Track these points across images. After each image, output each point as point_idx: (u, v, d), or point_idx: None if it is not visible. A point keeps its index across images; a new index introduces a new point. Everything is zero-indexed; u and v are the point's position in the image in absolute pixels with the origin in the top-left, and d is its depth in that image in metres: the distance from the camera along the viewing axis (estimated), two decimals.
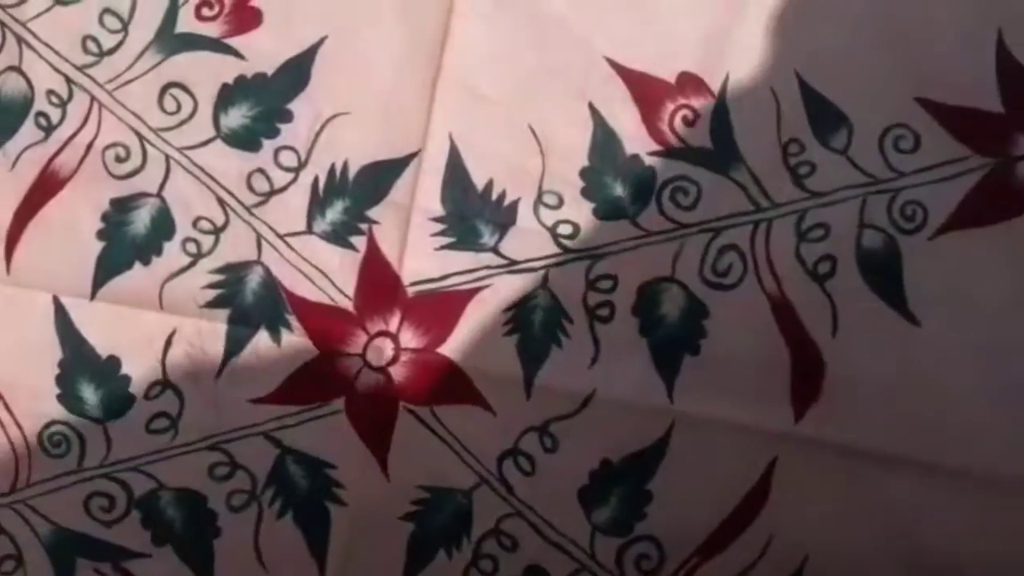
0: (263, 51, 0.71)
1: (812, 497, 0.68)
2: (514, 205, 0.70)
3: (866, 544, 0.68)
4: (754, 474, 0.68)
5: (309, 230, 0.71)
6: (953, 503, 0.67)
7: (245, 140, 0.71)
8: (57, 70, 0.72)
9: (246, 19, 0.72)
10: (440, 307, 0.70)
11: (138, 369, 0.71)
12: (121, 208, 0.72)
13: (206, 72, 0.72)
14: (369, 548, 0.70)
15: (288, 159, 0.71)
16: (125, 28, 0.72)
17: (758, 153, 0.70)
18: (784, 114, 0.70)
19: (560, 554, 0.69)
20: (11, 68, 0.73)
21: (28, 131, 0.72)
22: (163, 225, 0.71)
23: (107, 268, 0.71)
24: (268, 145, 0.71)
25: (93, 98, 0.72)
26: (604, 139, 0.70)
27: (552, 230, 0.70)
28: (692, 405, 0.69)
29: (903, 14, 0.69)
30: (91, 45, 0.72)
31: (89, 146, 0.72)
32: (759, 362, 0.69)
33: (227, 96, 0.71)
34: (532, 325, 0.70)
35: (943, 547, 0.67)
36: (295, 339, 0.71)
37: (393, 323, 0.71)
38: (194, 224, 0.71)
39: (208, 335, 0.71)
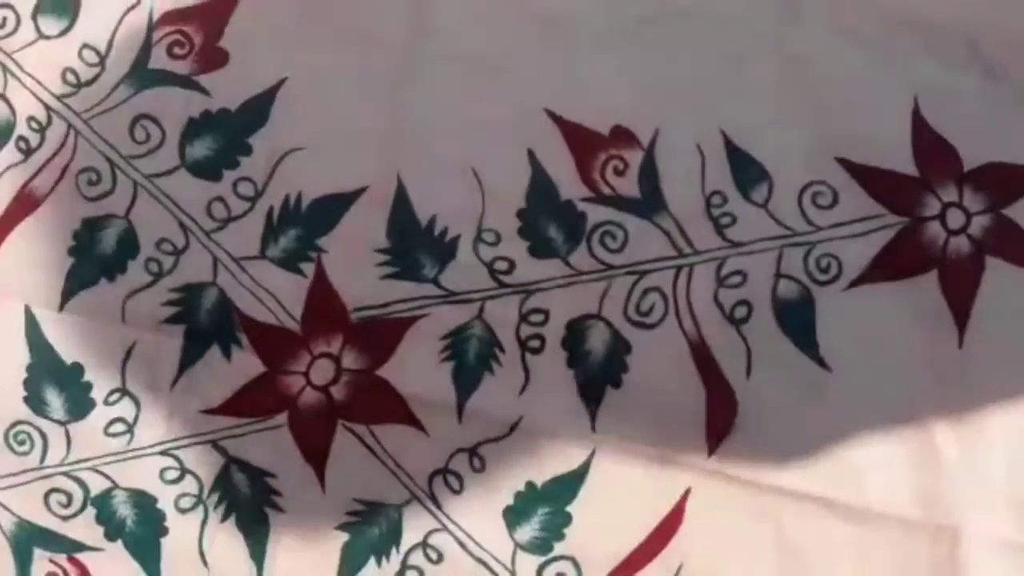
0: (228, 89, 0.74)
1: (721, 527, 0.69)
2: (455, 241, 0.72)
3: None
4: (668, 503, 0.69)
5: (262, 255, 0.73)
6: (847, 538, 0.66)
7: (207, 170, 0.73)
8: (38, 98, 0.75)
9: (214, 59, 0.74)
10: (381, 333, 0.72)
11: (99, 377, 0.73)
12: (91, 228, 0.74)
13: (174, 106, 0.74)
14: (305, 554, 0.71)
15: (246, 189, 0.73)
16: (102, 62, 0.74)
17: (682, 203, 0.71)
18: (708, 168, 0.71)
19: (483, 569, 0.70)
20: None
21: (9, 153, 0.74)
22: (128, 245, 0.73)
23: (75, 282, 0.73)
24: (228, 176, 0.73)
25: (70, 125, 0.74)
26: (541, 184, 0.71)
27: (489, 265, 0.72)
28: (613, 434, 0.70)
29: (826, 79, 0.69)
30: (70, 76, 0.75)
31: (64, 169, 0.74)
32: (676, 397, 0.69)
33: (193, 129, 0.74)
34: (467, 353, 0.71)
35: None
36: (244, 356, 0.73)
37: (336, 345, 0.72)
38: (157, 245, 0.73)
39: (165, 349, 0.73)
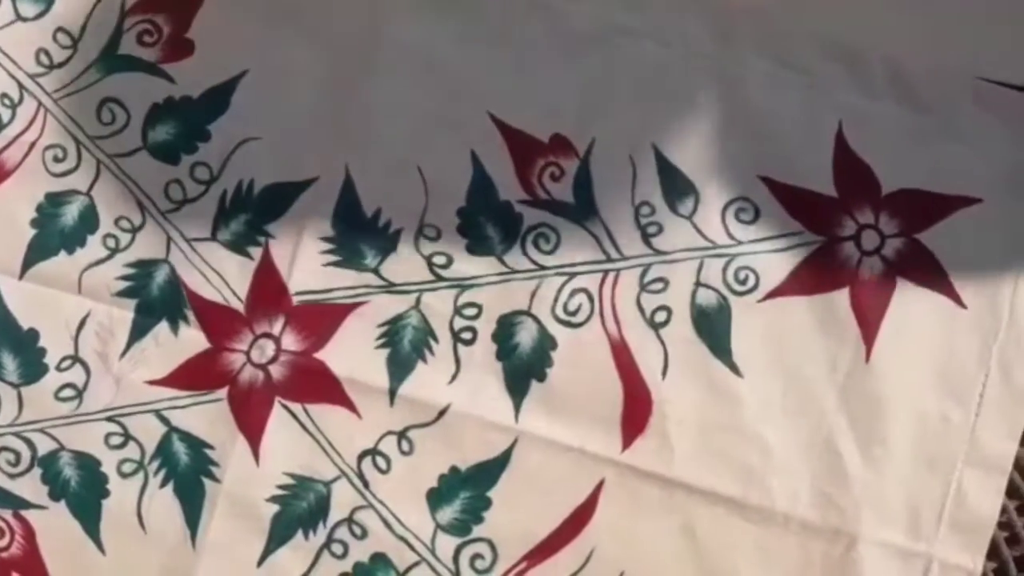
0: (191, 77, 0.70)
1: (631, 519, 0.65)
2: (397, 234, 0.68)
3: (672, 567, 0.65)
4: (583, 492, 0.66)
5: (213, 237, 0.69)
6: (751, 536, 0.64)
7: (167, 153, 0.69)
8: (12, 76, 0.70)
9: (180, 48, 0.70)
10: (321, 317, 0.68)
11: (53, 343, 0.69)
12: (54, 202, 0.70)
13: (140, 91, 0.70)
14: (236, 522, 0.67)
15: (202, 173, 0.69)
16: (75, 46, 0.70)
17: (613, 211, 0.67)
18: (639, 179, 0.67)
19: (404, 546, 0.67)
20: None
21: None
22: (88, 220, 0.69)
23: (36, 252, 0.69)
24: (186, 160, 0.69)
25: (40, 104, 0.70)
26: (481, 185, 0.68)
27: (428, 259, 0.68)
28: (534, 425, 0.66)
29: (754, 101, 0.66)
30: (43, 58, 0.70)
31: (32, 145, 0.70)
32: (596, 394, 0.66)
33: (156, 114, 0.70)
34: (402, 341, 0.68)
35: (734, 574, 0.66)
36: (191, 332, 0.69)
37: (277, 327, 0.68)
38: (115, 222, 0.69)
39: (117, 320, 0.69)
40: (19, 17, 0.71)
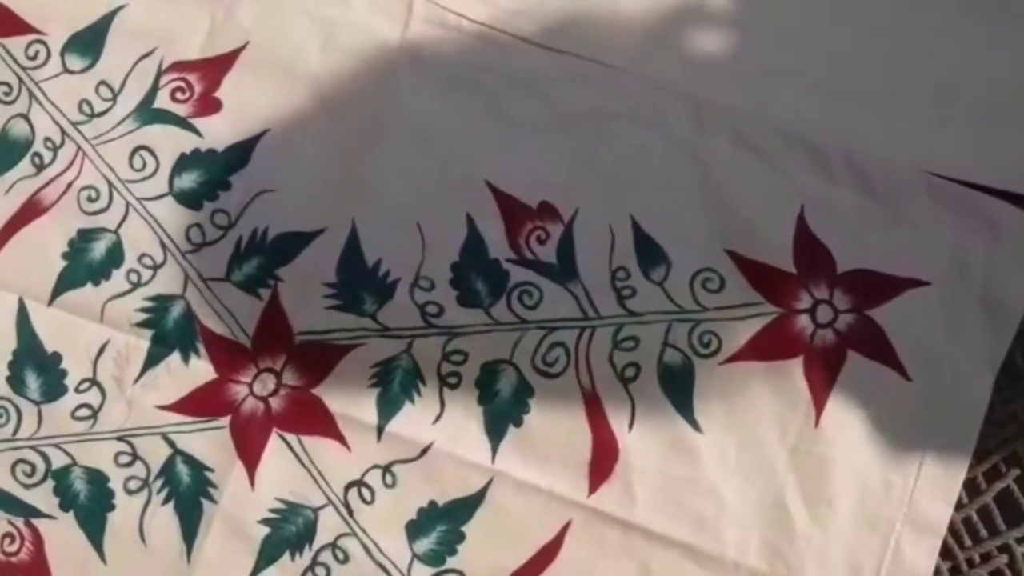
0: (217, 133, 0.69)
1: (593, 559, 0.64)
2: (394, 283, 0.66)
3: None
4: (550, 532, 0.64)
5: (227, 278, 0.67)
6: None
7: (190, 200, 0.68)
8: (55, 122, 0.70)
9: (209, 105, 0.69)
10: (320, 356, 0.66)
11: (74, 366, 0.68)
12: (85, 238, 0.69)
13: (170, 142, 0.69)
14: (229, 541, 0.65)
15: (221, 219, 0.68)
16: (114, 98, 0.70)
17: (591, 273, 0.66)
18: (617, 246, 0.66)
19: (382, 573, 0.65)
20: (20, 115, 0.70)
21: (24, 166, 0.69)
22: (115, 256, 0.68)
23: (65, 283, 0.68)
24: (208, 206, 0.68)
25: (79, 148, 0.69)
26: (474, 243, 0.66)
27: (422, 308, 0.66)
28: (509, 467, 0.65)
29: (725, 182, 0.66)
30: (85, 107, 0.70)
31: (69, 185, 0.69)
32: (567, 441, 0.64)
33: (183, 163, 0.69)
34: (392, 382, 0.66)
35: None
36: (200, 363, 0.67)
37: (279, 363, 0.66)
38: (139, 259, 0.68)
39: (133, 348, 0.67)
40: (66, 70, 0.70)
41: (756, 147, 0.66)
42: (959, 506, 0.64)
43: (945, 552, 0.64)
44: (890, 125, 0.66)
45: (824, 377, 0.64)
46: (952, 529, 0.64)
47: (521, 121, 0.68)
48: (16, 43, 0.71)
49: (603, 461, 0.65)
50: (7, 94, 0.71)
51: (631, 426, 0.65)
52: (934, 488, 0.64)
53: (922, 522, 0.63)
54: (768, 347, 0.65)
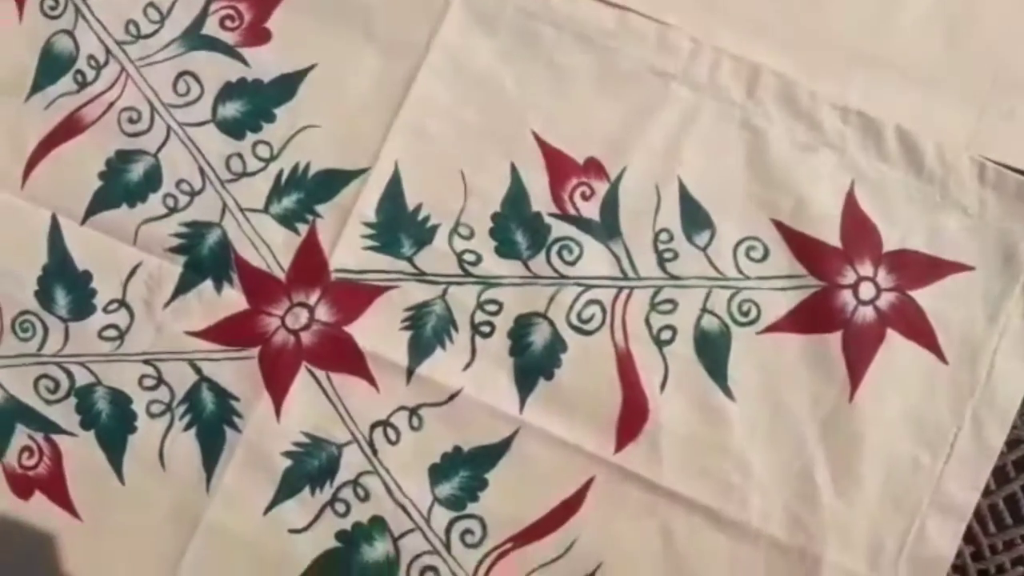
0: (264, 63, 0.66)
1: (615, 516, 0.62)
2: (434, 229, 0.64)
3: (646, 566, 0.61)
4: (573, 486, 0.62)
5: (265, 210, 0.64)
6: (723, 546, 0.62)
7: (233, 129, 0.66)
8: (101, 41, 0.67)
9: (258, 35, 0.66)
10: (354, 295, 0.63)
11: (104, 286, 0.65)
12: (123, 159, 0.66)
13: (216, 69, 0.66)
14: (250, 471, 0.63)
15: (263, 151, 0.65)
16: (162, 21, 0.67)
17: (634, 233, 0.63)
18: (662, 208, 0.63)
19: (402, 513, 0.62)
20: (65, 31, 0.67)
21: (66, 83, 0.66)
22: (152, 179, 0.65)
23: (100, 202, 0.65)
24: (250, 137, 0.65)
25: (123, 69, 0.66)
26: (516, 195, 0.64)
27: (459, 255, 0.63)
28: (537, 419, 0.62)
29: (775, 151, 0.63)
30: (132, 28, 0.67)
31: (111, 105, 0.66)
32: (597, 398, 0.62)
33: (227, 92, 0.66)
34: (425, 326, 0.63)
35: None
36: (233, 293, 0.64)
37: (313, 298, 0.63)
38: (177, 184, 0.65)
39: (166, 273, 0.64)
40: None
41: (810, 118, 0.63)
42: (986, 492, 0.61)
43: (968, 537, 0.61)
44: (946, 107, 0.63)
45: (862, 354, 0.61)
46: (977, 514, 0.61)
47: (574, 74, 0.64)
48: None
49: (632, 420, 0.62)
50: (53, 9, 0.67)
51: (663, 388, 0.62)
52: (963, 472, 0.61)
53: (948, 505, 0.61)
54: (808, 320, 0.62)
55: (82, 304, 0.65)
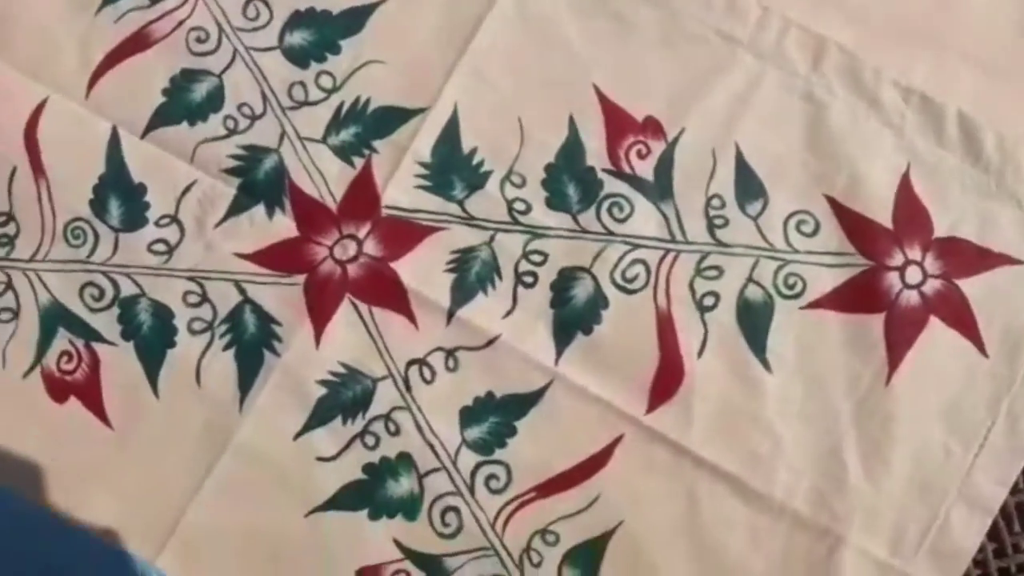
0: None
1: (640, 476, 0.61)
2: (487, 174, 0.64)
3: (667, 529, 0.61)
4: (601, 442, 0.61)
5: (323, 140, 0.64)
6: (745, 516, 0.61)
7: (298, 57, 0.65)
8: None
9: None
10: (403, 232, 0.63)
11: (157, 201, 0.65)
12: (188, 77, 0.66)
13: None
14: (285, 395, 0.63)
15: (326, 82, 0.65)
16: None
17: (687, 197, 0.63)
18: (717, 174, 0.63)
19: (429, 452, 0.62)
20: None
21: None
22: (215, 100, 0.65)
23: (161, 118, 0.65)
24: (314, 67, 0.65)
25: None
26: (572, 147, 0.63)
27: (510, 203, 0.63)
28: (571, 372, 0.62)
29: (836, 126, 0.63)
30: None
31: (180, 23, 0.66)
32: (633, 357, 0.62)
33: (296, 20, 0.66)
34: (469, 271, 0.63)
35: (726, 550, 0.61)
36: (284, 219, 0.64)
37: (363, 231, 0.63)
38: (238, 107, 0.65)
39: (219, 194, 0.64)
40: None
41: (872, 96, 0.63)
42: (1014, 490, 0.61)
43: (992, 533, 0.61)
44: (1010, 97, 0.63)
45: (903, 337, 0.61)
46: (1003, 511, 0.61)
47: (640, 31, 0.64)
48: None
49: (667, 382, 0.62)
50: None
51: (700, 353, 0.62)
52: (993, 467, 0.60)
53: (975, 498, 0.60)
54: (852, 299, 0.62)
55: (134, 216, 0.65)
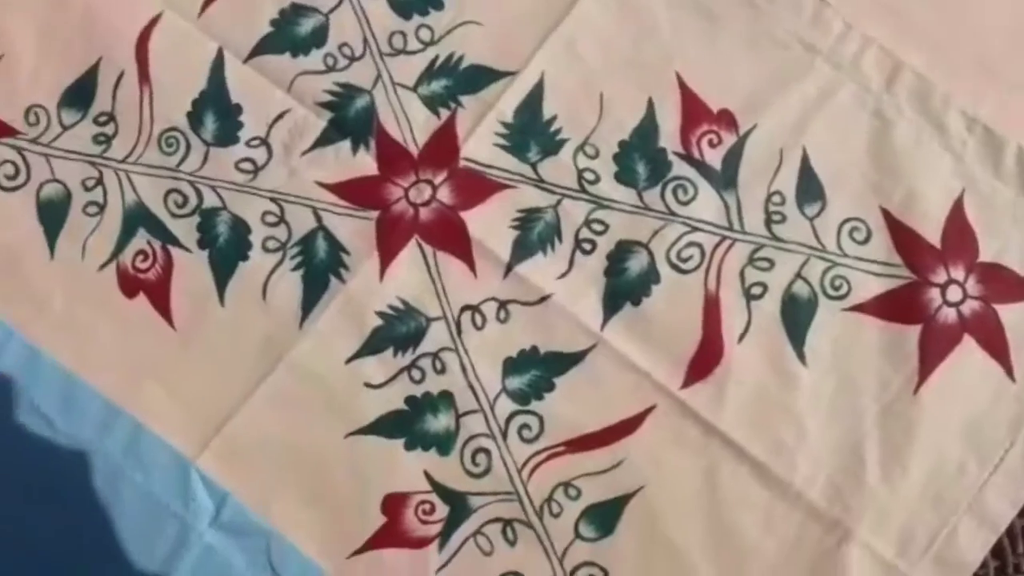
0: None
1: (667, 447, 0.63)
2: (562, 142, 0.66)
3: (685, 500, 0.63)
4: (634, 409, 0.64)
5: (414, 89, 0.67)
6: (762, 499, 0.63)
7: (403, 8, 0.69)
8: None
9: None
10: (476, 185, 0.66)
11: (251, 121, 0.68)
12: (296, 11, 0.69)
13: None
14: (344, 321, 0.66)
15: (424, 34, 0.68)
16: None
17: (749, 189, 0.65)
18: (781, 172, 0.65)
19: (470, 394, 0.64)
20: None
21: None
22: (319, 36, 0.68)
23: (266, 47, 0.68)
24: (416, 19, 0.68)
25: None
26: (647, 127, 0.66)
27: (580, 172, 0.66)
28: (615, 339, 0.64)
29: (900, 144, 0.66)
30: None
31: None
32: (677, 333, 0.64)
33: None
34: (532, 230, 0.66)
35: (739, 529, 0.63)
36: (367, 157, 0.67)
37: (439, 179, 0.66)
38: (339, 47, 0.68)
39: (310, 125, 0.67)
40: None
41: (938, 121, 0.66)
42: (1022, 513, 0.63)
43: (997, 551, 0.63)
44: None
45: (936, 351, 0.63)
46: (1010, 532, 0.63)
47: (729, 29, 0.67)
48: None
49: (705, 361, 0.64)
50: None
51: (741, 339, 0.64)
52: (1005, 487, 0.63)
53: (984, 514, 0.62)
54: (893, 308, 0.64)
55: (227, 133, 0.68)
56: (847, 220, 0.65)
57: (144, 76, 0.69)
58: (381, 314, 0.66)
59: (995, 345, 0.64)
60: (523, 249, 0.66)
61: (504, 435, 0.64)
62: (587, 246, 0.66)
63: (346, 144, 0.67)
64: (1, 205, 0.68)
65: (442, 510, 0.64)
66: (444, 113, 0.68)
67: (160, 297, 0.67)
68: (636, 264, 0.66)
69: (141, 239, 0.68)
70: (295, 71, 0.68)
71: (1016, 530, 0.63)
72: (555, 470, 0.64)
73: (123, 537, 0.64)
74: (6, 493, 0.64)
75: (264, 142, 0.68)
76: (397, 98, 0.68)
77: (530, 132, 0.67)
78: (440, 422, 0.65)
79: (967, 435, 0.63)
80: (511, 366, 0.65)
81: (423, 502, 0.64)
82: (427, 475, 0.64)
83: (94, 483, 0.64)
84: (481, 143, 0.67)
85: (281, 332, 0.66)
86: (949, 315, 0.64)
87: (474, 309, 0.66)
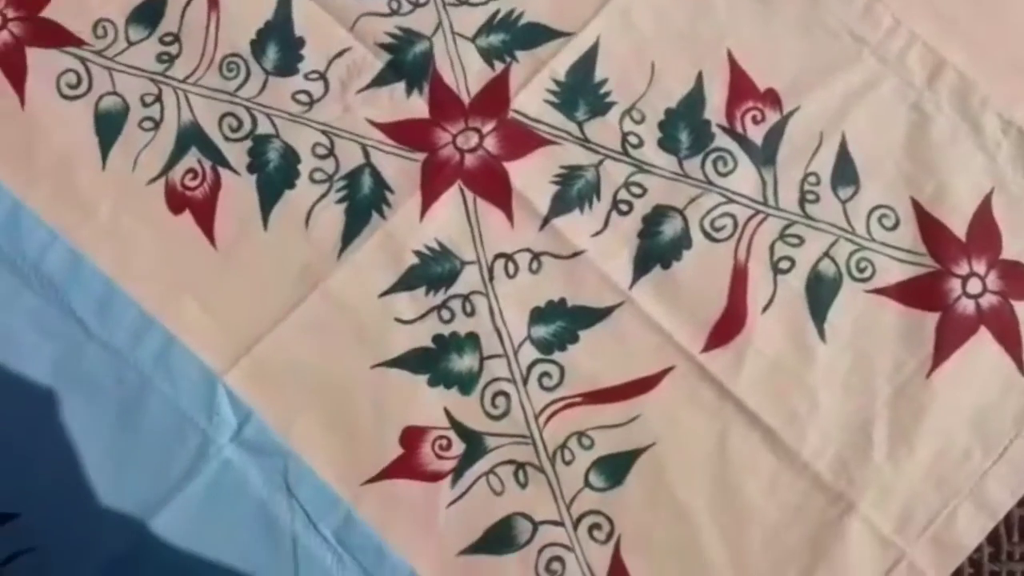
0: None
1: (682, 408, 0.65)
2: (610, 105, 0.68)
3: (695, 460, 0.65)
4: (653, 368, 0.65)
5: (472, 40, 0.69)
6: (770, 466, 0.65)
7: None
8: None
9: None
10: (523, 137, 0.68)
11: (312, 56, 0.69)
12: None
13: None
14: (381, 255, 0.67)
15: None
16: None
17: (787, 167, 0.67)
18: (819, 154, 0.67)
19: (495, 338, 0.66)
20: None
21: None
22: None
23: None
24: None
25: None
26: (694, 99, 0.68)
27: (625, 135, 0.68)
28: (642, 298, 0.66)
29: (936, 139, 0.68)
30: None
31: None
32: (702, 298, 0.66)
33: None
34: (572, 187, 0.67)
35: (744, 492, 0.65)
36: (419, 101, 0.68)
37: (487, 128, 0.68)
38: None
39: (368, 65, 0.69)
40: None
41: (975, 120, 0.68)
42: (1021, 502, 0.65)
43: (993, 537, 0.65)
44: None
45: (952, 339, 0.65)
46: (1007, 520, 0.65)
47: (781, 10, 0.69)
48: None
49: (727, 328, 0.66)
50: None
51: (765, 310, 0.66)
52: (1007, 477, 0.64)
53: (984, 501, 0.64)
54: (913, 294, 0.66)
55: (288, 64, 0.70)
56: (878, 206, 0.67)
57: (213, 2, 0.70)
58: (418, 253, 0.67)
59: (1009, 339, 0.66)
60: (561, 204, 0.68)
61: (525, 381, 0.66)
62: (624, 207, 0.68)
63: (401, 86, 0.69)
64: (60, 112, 0.69)
65: (458, 447, 0.66)
66: (499, 66, 0.69)
67: (205, 216, 0.69)
68: (670, 228, 0.67)
69: (192, 158, 0.69)
70: (359, 11, 0.70)
71: (1013, 519, 0.65)
72: (571, 419, 0.66)
73: (141, 448, 0.66)
74: None
75: (322, 76, 0.69)
76: (455, 47, 0.69)
77: (580, 92, 0.69)
78: (464, 362, 0.66)
79: (974, 423, 0.65)
80: (538, 315, 0.67)
81: (440, 437, 0.66)
82: (447, 412, 0.66)
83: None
84: (532, 97, 0.69)
85: (319, 261, 0.67)
86: (968, 306, 0.66)
87: (508, 257, 0.67)
